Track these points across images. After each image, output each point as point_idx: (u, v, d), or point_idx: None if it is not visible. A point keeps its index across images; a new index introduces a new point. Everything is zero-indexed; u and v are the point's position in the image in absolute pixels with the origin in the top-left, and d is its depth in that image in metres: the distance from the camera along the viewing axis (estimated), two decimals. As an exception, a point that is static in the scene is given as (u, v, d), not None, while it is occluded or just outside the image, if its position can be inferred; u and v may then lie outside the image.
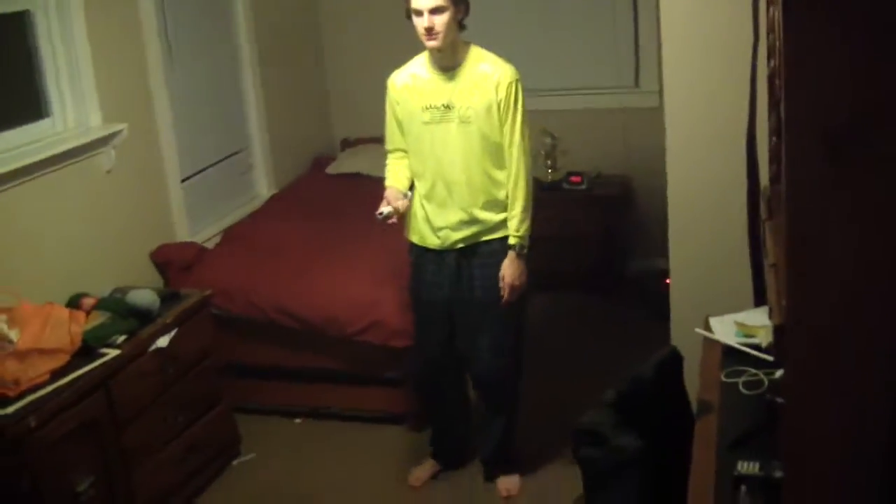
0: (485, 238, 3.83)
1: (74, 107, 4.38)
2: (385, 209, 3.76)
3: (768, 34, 3.00)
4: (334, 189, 5.73)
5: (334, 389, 4.66)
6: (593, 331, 5.48)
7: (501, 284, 3.80)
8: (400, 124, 3.86)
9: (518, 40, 6.03)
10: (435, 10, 3.54)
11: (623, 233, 6.00)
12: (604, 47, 5.96)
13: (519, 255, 3.80)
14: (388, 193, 3.84)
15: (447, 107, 3.70)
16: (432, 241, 3.87)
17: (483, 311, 3.89)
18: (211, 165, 5.44)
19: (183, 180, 5.08)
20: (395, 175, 3.91)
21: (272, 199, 5.75)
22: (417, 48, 3.76)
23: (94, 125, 4.42)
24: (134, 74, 4.69)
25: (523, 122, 3.74)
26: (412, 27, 3.64)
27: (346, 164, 6.04)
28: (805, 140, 1.88)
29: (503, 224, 3.81)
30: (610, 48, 5.96)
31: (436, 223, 3.83)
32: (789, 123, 1.90)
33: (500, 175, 3.77)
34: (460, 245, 3.84)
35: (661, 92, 5.68)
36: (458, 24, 3.65)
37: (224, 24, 5.58)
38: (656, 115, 5.69)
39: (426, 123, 3.75)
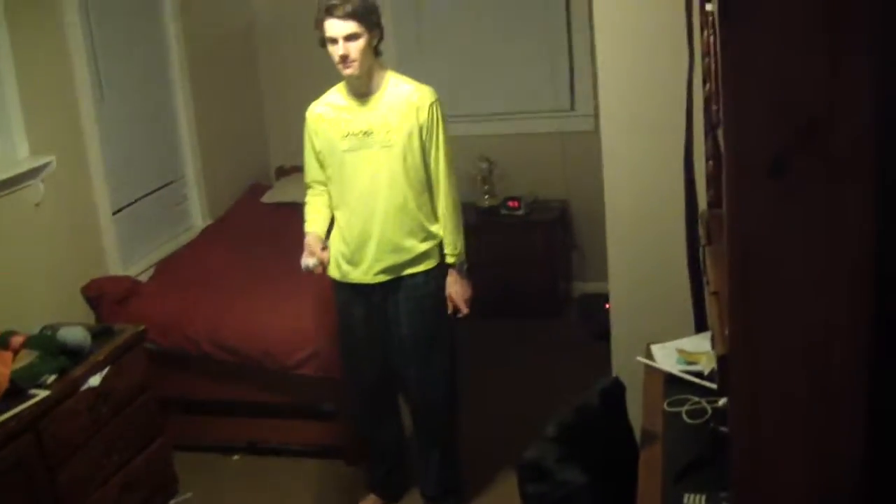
0: (408, 272, 3.79)
1: (1, 138, 4.26)
2: (310, 262, 3.74)
3: (703, 57, 3.00)
4: (270, 218, 5.65)
5: (272, 423, 4.58)
6: (538, 357, 5.44)
7: (450, 304, 3.81)
8: (319, 155, 3.82)
9: (454, 65, 6.04)
10: (349, 37, 3.51)
11: (563, 256, 6.00)
12: (539, 71, 5.96)
13: (461, 273, 3.82)
14: (309, 241, 3.80)
15: (366, 133, 3.67)
16: (354, 276, 3.82)
17: (411, 346, 3.86)
18: (144, 196, 5.33)
19: (115, 212, 4.97)
20: (315, 216, 3.88)
21: (207, 230, 5.65)
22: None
23: (22, 157, 4.31)
24: (62, 105, 4.59)
25: (447, 141, 3.74)
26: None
27: (281, 192, 5.96)
28: (744, 165, 1.86)
29: (426, 256, 3.79)
30: (545, 72, 5.96)
31: (357, 255, 3.78)
32: (728, 147, 1.88)
33: (422, 199, 3.75)
34: (383, 277, 3.79)
35: (596, 115, 5.73)
36: (374, 49, 3.63)
37: (156, 52, 5.49)
38: (592, 138, 5.71)
39: (346, 151, 3.70)
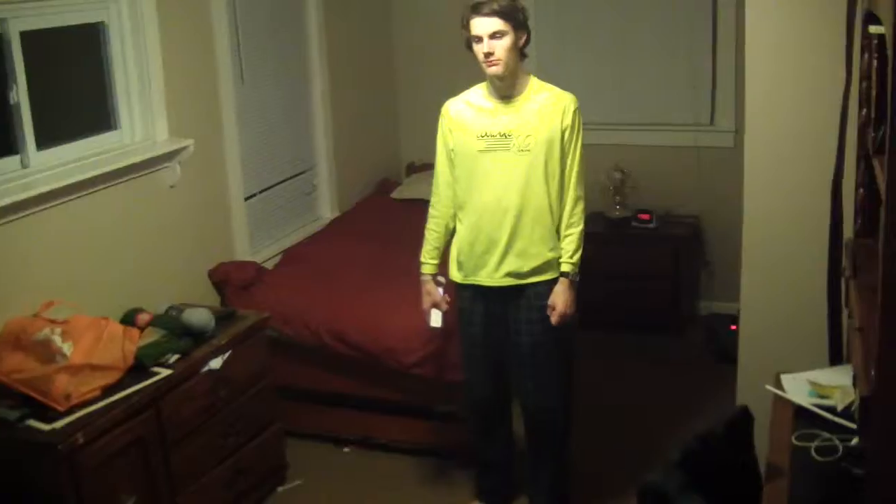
0: (532, 280, 3.72)
1: (143, 120, 4.35)
2: (437, 321, 3.88)
3: (861, 81, 2.88)
4: (398, 215, 5.64)
5: (385, 420, 4.56)
6: (659, 374, 5.31)
7: (550, 312, 3.69)
8: (451, 153, 3.78)
9: (593, 72, 5.97)
10: (495, 35, 3.48)
11: (692, 274, 5.85)
12: (680, 83, 5.82)
13: (572, 283, 3.71)
14: (429, 290, 3.91)
15: (504, 135, 3.62)
16: (477, 278, 3.77)
17: (529, 355, 3.79)
18: (275, 185, 5.40)
19: (247, 198, 5.04)
20: (433, 250, 3.90)
21: (335, 222, 5.69)
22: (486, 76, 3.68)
23: (161, 139, 4.39)
24: (204, 90, 4.67)
25: (582, 150, 3.70)
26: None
27: (411, 189, 5.95)
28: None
29: (551, 265, 3.71)
30: (686, 85, 5.81)
31: (483, 258, 3.73)
32: (892, 180, 1.80)
33: (556, 207, 3.69)
34: (508, 281, 3.72)
35: (737, 132, 5.59)
36: (520, 51, 3.58)
37: (296, 43, 5.55)
38: (731, 155, 5.59)
39: (481, 151, 3.66)
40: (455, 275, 3.84)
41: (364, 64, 6.22)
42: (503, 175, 3.64)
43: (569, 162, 3.66)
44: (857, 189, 2.95)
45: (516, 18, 3.52)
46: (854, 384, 2.17)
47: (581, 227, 3.72)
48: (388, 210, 5.82)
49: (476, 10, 3.49)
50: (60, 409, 3.32)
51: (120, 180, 4.13)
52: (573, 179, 3.68)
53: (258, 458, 4.17)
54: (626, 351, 5.57)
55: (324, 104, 5.72)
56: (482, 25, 3.48)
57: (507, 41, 3.50)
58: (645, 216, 5.70)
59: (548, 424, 3.92)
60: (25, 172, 3.82)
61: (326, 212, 5.83)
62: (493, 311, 3.80)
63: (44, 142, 3.93)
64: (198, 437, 3.79)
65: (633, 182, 5.82)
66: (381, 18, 6.45)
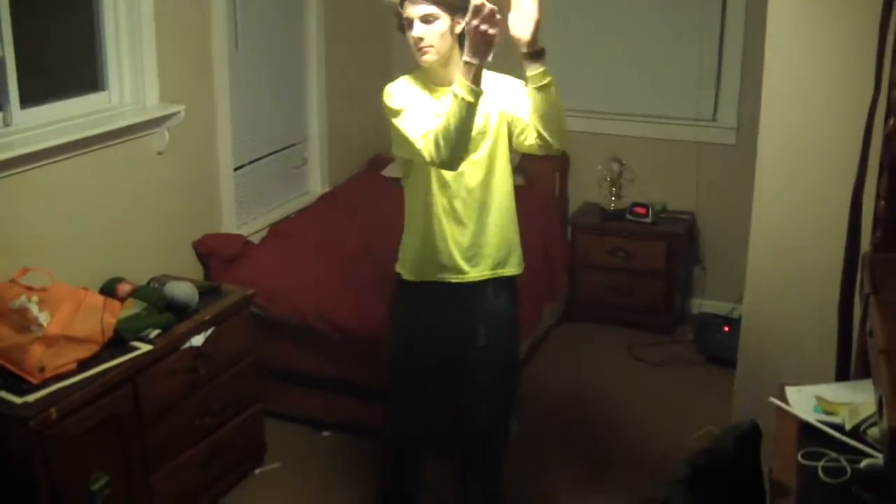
0: (498, 274, 3.35)
1: (132, 82, 4.22)
2: None
3: (891, 90, 2.78)
4: (388, 193, 5.46)
5: (367, 405, 4.41)
6: (648, 372, 5.22)
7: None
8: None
9: (594, 59, 5.84)
10: (425, 19, 3.09)
11: (684, 271, 5.75)
12: (683, 76, 5.67)
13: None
14: None
15: None
16: (450, 274, 3.34)
17: (483, 360, 3.42)
18: (265, 156, 5.26)
19: (235, 169, 4.90)
20: None
21: (324, 198, 5.56)
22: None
23: (151, 104, 4.25)
24: (197, 55, 4.52)
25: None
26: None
27: (402, 167, 5.83)
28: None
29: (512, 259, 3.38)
30: (690, 78, 5.65)
31: (461, 242, 3.30)
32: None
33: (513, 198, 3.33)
34: (488, 273, 3.33)
35: (739, 129, 5.49)
36: (458, 38, 3.14)
37: (293, 12, 5.40)
38: (732, 153, 5.50)
39: None
40: (406, 275, 3.44)
41: (361, 38, 6.07)
42: (465, 161, 3.20)
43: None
44: (877, 200, 2.85)
45: (451, 3, 3.09)
46: (880, 410, 2.07)
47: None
48: (379, 187, 5.67)
49: None
50: (34, 381, 3.20)
51: (106, 144, 4.00)
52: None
53: (236, 439, 4.05)
54: (612, 344, 5.48)
55: (318, 76, 5.58)
56: (413, 8, 3.09)
57: (439, 26, 3.09)
58: (641, 210, 5.57)
59: (490, 436, 3.56)
60: (7, 131, 3.70)
61: (316, 186, 5.69)
62: (454, 307, 3.38)
63: (28, 100, 3.80)
64: (175, 415, 3.68)
65: (631, 174, 5.71)
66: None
